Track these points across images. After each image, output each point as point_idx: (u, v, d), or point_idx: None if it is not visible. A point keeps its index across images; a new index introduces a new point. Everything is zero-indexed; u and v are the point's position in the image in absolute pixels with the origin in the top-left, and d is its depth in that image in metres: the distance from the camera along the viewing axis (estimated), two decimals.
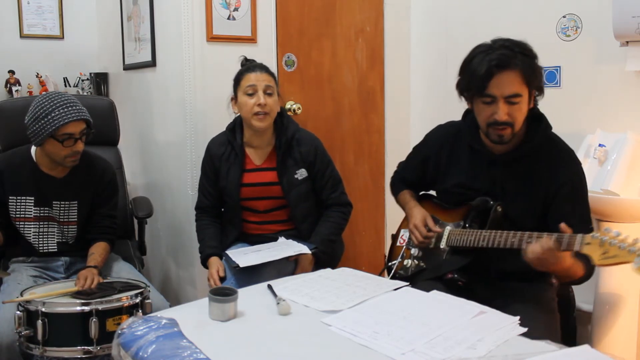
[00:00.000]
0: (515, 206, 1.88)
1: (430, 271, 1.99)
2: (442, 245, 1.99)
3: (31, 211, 2.36)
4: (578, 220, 1.78)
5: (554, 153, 1.89)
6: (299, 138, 2.44)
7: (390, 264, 2.14)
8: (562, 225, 1.64)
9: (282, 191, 2.41)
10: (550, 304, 1.92)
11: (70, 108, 2.21)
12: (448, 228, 1.99)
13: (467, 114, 2.01)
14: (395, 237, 2.27)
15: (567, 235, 1.62)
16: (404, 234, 2.20)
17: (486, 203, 1.90)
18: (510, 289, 1.90)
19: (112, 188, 2.51)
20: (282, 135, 2.42)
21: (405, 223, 2.22)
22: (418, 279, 1.96)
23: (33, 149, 2.36)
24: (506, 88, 1.77)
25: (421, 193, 2.24)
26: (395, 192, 2.28)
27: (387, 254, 2.30)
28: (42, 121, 2.19)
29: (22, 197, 2.35)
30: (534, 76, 1.79)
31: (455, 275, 1.92)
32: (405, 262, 2.09)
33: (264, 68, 2.42)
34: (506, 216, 1.89)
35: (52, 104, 2.21)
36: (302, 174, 2.43)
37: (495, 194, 1.90)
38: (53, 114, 2.19)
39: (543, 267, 1.68)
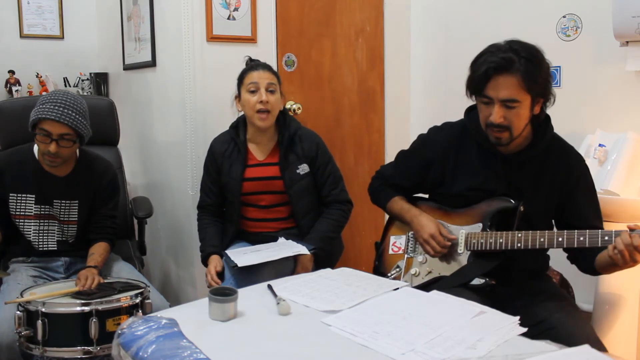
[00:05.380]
0: (533, 205, 1.87)
1: (453, 278, 1.91)
2: (460, 250, 1.93)
3: (32, 209, 2.36)
4: (594, 215, 1.89)
5: (562, 151, 1.92)
6: (301, 135, 2.47)
7: (388, 274, 2.04)
8: (631, 225, 1.66)
9: (284, 186, 2.42)
10: (570, 299, 1.95)
11: (57, 106, 2.18)
12: (463, 232, 1.93)
13: (470, 110, 2.00)
14: (380, 245, 2.18)
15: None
16: (396, 241, 2.10)
17: (508, 203, 1.87)
18: (529, 287, 1.91)
19: (113, 189, 2.51)
20: (284, 131, 2.44)
21: (393, 229, 2.16)
22: (436, 288, 1.79)
23: (36, 147, 2.36)
24: (502, 91, 1.77)
25: (410, 196, 2.17)
26: (384, 199, 2.18)
27: (376, 264, 2.19)
28: (33, 110, 2.21)
29: (23, 195, 2.35)
30: (535, 83, 1.77)
31: (487, 280, 1.87)
32: (411, 271, 2.00)
33: (267, 67, 2.45)
34: (523, 216, 1.87)
35: (49, 97, 2.23)
36: (304, 169, 2.44)
37: (512, 194, 1.89)
38: (41, 106, 2.20)
39: (630, 262, 1.66)
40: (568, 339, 1.46)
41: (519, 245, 1.80)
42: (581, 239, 1.72)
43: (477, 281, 1.88)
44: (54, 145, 2.21)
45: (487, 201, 1.92)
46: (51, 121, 2.18)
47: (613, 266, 1.74)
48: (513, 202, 1.87)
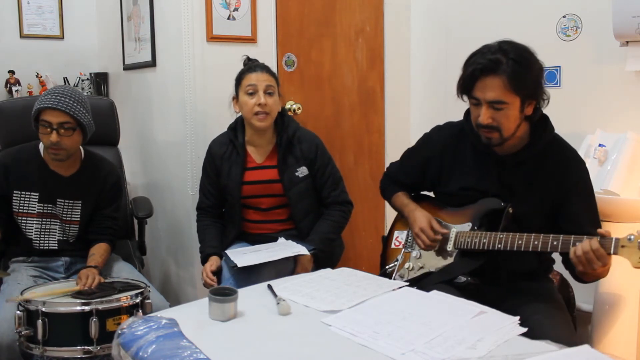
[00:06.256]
0: (524, 207, 1.87)
1: (439, 274, 1.93)
2: (449, 247, 1.95)
3: (34, 207, 2.36)
4: (590, 222, 1.84)
5: (561, 154, 1.90)
6: (299, 136, 2.46)
7: (387, 267, 2.08)
8: (602, 230, 1.65)
9: (283, 189, 2.41)
10: (560, 301, 1.95)
11: (54, 95, 2.21)
12: (454, 230, 1.95)
13: (469, 112, 2.00)
14: (387, 240, 2.21)
15: (601, 238, 1.63)
16: (399, 236, 2.14)
17: (497, 204, 1.88)
18: (520, 288, 1.90)
19: (116, 191, 2.52)
20: (283, 133, 2.43)
21: (399, 225, 2.18)
22: (424, 283, 1.88)
23: (41, 145, 2.36)
24: (488, 93, 1.77)
25: (417, 193, 2.20)
26: (389, 194, 2.22)
27: (381, 257, 2.22)
28: (35, 102, 2.24)
29: (27, 193, 2.35)
30: (522, 85, 1.75)
31: (469, 279, 1.89)
32: (406, 265, 2.03)
33: (265, 68, 2.43)
34: (514, 217, 1.87)
35: (48, 90, 2.26)
36: (302, 171, 2.43)
37: (503, 195, 1.89)
38: (41, 98, 2.23)
39: (588, 267, 1.65)
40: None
41: (499, 246, 1.81)
42: (554, 243, 1.71)
43: (460, 279, 1.90)
44: (54, 134, 2.22)
45: (479, 201, 1.93)
46: (50, 110, 2.20)
47: (581, 273, 1.73)
48: (503, 203, 1.87)
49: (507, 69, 1.74)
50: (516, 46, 1.79)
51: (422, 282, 1.90)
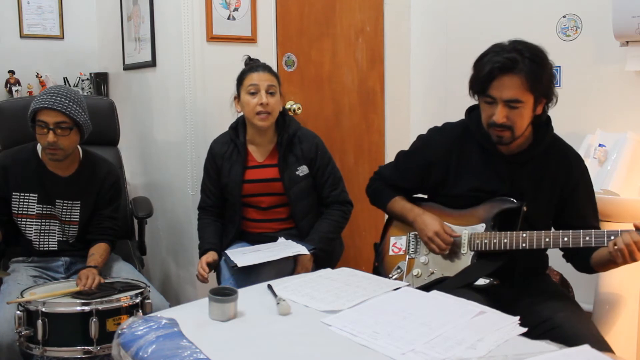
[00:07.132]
0: (534, 206, 1.88)
1: (457, 279, 1.90)
2: (464, 250, 1.92)
3: (34, 208, 2.36)
4: (593, 214, 1.92)
5: (562, 152, 1.92)
6: (300, 135, 2.47)
7: (390, 276, 2.02)
8: (637, 223, 1.67)
9: (283, 187, 2.42)
10: (570, 297, 1.96)
11: (50, 95, 2.21)
12: (466, 232, 1.93)
13: (471, 111, 2.00)
14: (380, 246, 2.16)
15: (637, 230, 1.65)
16: (397, 242, 2.09)
17: (511, 203, 1.87)
18: (530, 287, 1.91)
19: (115, 191, 2.51)
20: (284, 132, 2.44)
21: (393, 230, 2.14)
22: (438, 288, 1.77)
23: (39, 146, 2.36)
24: (506, 92, 1.77)
25: (410, 197, 2.15)
26: (385, 199, 2.16)
27: (376, 265, 2.17)
28: (31, 103, 2.24)
29: (26, 194, 2.35)
30: (539, 83, 1.76)
31: (492, 279, 1.87)
32: (414, 272, 1.99)
33: (266, 68, 2.44)
34: (525, 215, 1.87)
35: (45, 90, 2.27)
36: (303, 170, 2.44)
37: (514, 195, 1.89)
38: (37, 98, 2.23)
39: (629, 259, 1.67)
40: (573, 338, 1.46)
41: (523, 245, 1.81)
42: (587, 239, 1.72)
43: (481, 281, 1.87)
44: (51, 134, 2.21)
45: (489, 202, 1.91)
46: (46, 110, 2.20)
47: (611, 263, 1.75)
48: (516, 202, 1.86)
49: (525, 67, 1.75)
50: (529, 45, 1.80)
51: (435, 287, 1.81)
